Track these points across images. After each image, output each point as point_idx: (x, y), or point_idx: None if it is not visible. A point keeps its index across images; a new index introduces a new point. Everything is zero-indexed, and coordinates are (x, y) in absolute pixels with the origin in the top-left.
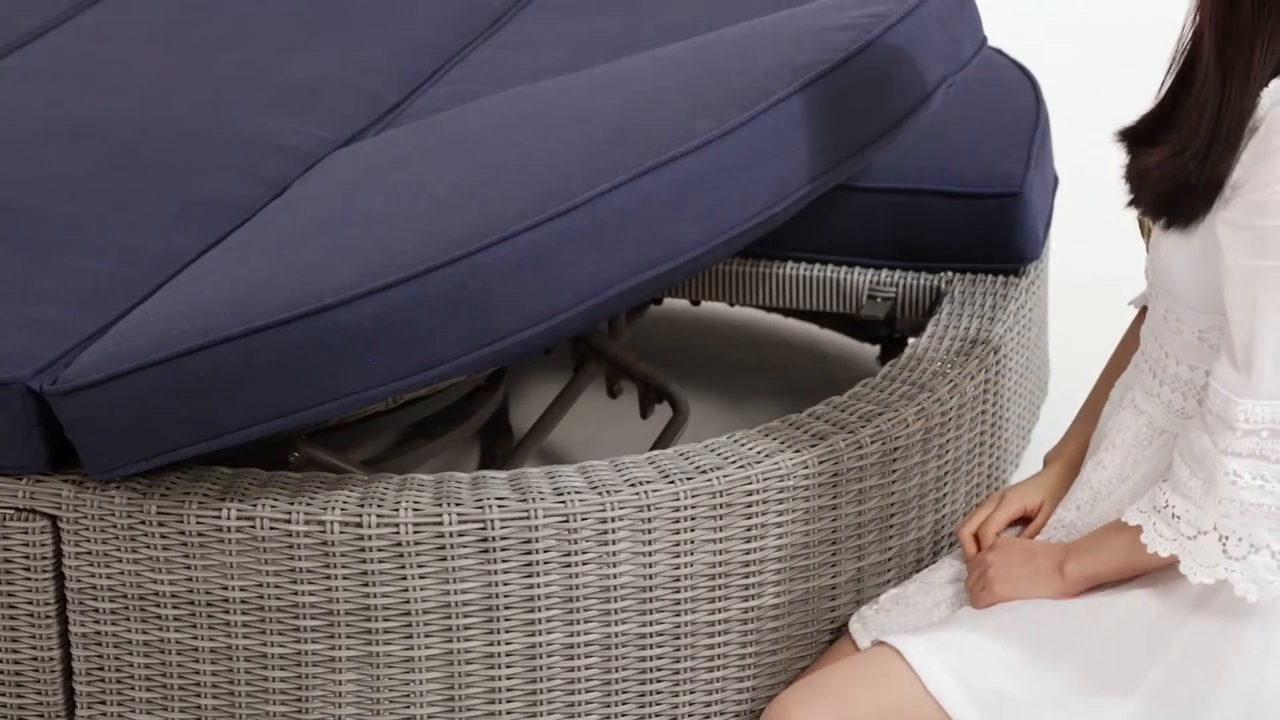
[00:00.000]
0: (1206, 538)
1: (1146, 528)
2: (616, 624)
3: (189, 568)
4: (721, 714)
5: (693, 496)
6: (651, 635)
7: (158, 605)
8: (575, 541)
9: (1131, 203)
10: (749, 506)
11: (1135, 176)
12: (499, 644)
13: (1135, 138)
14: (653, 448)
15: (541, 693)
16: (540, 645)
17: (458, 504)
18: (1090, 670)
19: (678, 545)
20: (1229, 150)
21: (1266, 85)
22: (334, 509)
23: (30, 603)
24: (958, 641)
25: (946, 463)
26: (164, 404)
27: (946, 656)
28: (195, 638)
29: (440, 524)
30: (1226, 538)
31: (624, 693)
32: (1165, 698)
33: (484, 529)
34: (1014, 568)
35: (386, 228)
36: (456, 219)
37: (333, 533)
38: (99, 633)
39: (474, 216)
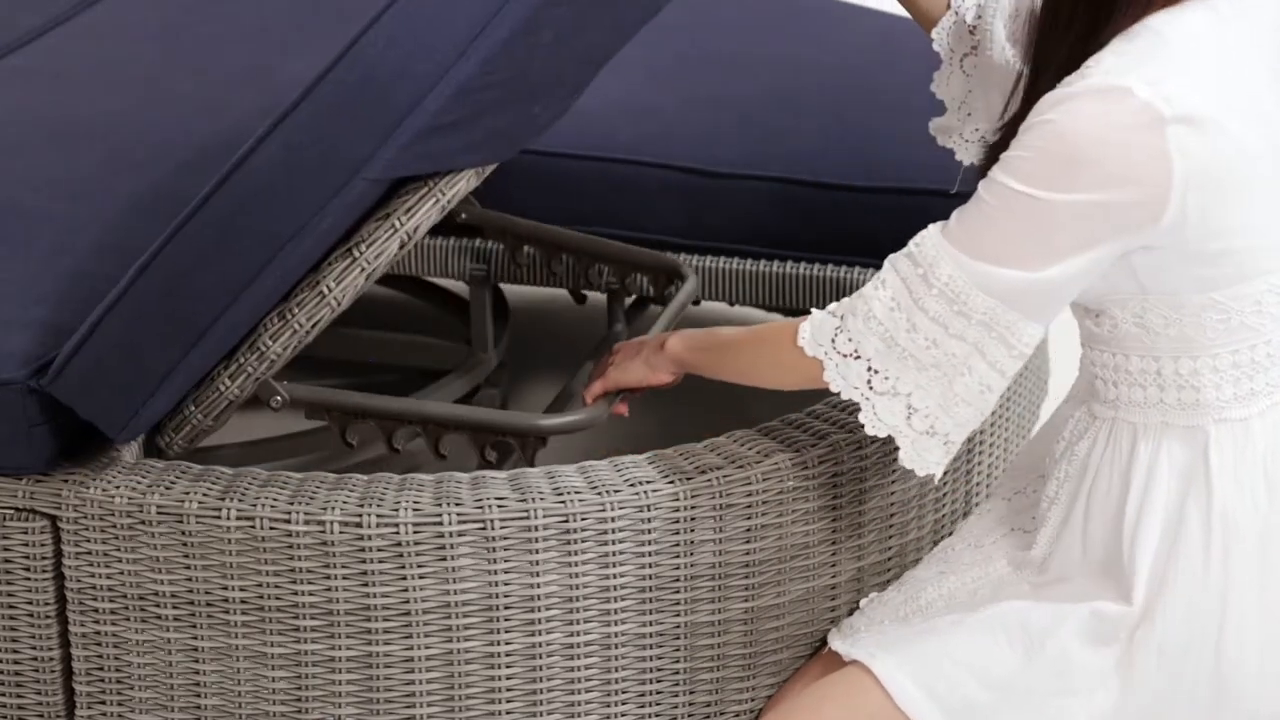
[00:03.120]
0: (831, 319)
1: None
2: (616, 624)
3: (189, 568)
4: (721, 714)
5: (693, 496)
6: (651, 635)
7: (158, 605)
8: (575, 541)
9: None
10: (749, 506)
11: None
12: (499, 644)
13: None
14: (661, 317)
15: (541, 693)
16: (540, 645)
17: (458, 504)
18: (1057, 671)
19: (677, 545)
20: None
21: (1066, 76)
22: (334, 509)
23: (30, 603)
24: (927, 653)
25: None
26: (139, 331)
27: (915, 669)
28: (195, 638)
29: (440, 524)
30: (840, 328)
31: (624, 693)
32: (1132, 694)
33: (484, 529)
34: (628, 354)
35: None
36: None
37: (332, 533)
38: (99, 633)
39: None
